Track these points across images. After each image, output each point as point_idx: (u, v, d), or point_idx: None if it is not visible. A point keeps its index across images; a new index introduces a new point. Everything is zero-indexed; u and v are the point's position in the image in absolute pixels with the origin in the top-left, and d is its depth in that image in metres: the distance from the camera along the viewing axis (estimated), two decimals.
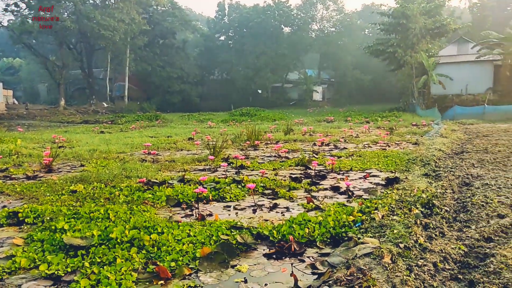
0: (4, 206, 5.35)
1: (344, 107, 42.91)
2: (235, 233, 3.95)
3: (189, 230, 4.06)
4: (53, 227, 4.18)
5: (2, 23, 45.77)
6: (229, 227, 4.14)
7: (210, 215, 4.84)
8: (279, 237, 3.84)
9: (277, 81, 57.48)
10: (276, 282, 3.00)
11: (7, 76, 69.59)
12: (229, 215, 4.86)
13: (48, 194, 5.81)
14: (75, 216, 4.58)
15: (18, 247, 3.77)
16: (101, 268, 3.16)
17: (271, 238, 3.86)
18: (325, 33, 60.07)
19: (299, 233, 3.82)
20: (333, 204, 5.02)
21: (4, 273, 3.25)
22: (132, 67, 48.63)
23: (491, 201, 4.59)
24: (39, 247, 3.73)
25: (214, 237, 3.84)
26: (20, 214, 4.65)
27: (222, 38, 61.05)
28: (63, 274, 3.20)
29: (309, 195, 5.70)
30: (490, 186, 5.41)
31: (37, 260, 3.44)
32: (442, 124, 17.43)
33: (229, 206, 5.28)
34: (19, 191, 6.09)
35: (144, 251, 3.56)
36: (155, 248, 3.62)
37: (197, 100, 53.85)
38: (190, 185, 6.37)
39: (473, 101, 28.05)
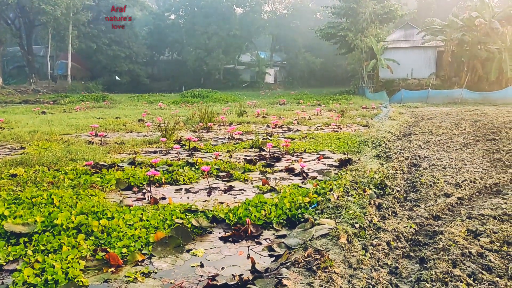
0: None
1: (296, 90, 43.40)
2: (190, 216, 3.84)
3: (142, 214, 3.90)
4: None
5: None
6: (183, 211, 4.02)
7: (163, 198, 4.69)
8: (235, 220, 3.78)
9: (229, 62, 56.90)
10: (233, 266, 2.94)
11: None
12: (183, 198, 4.73)
13: None
14: (16, 201, 4.26)
15: None
16: (45, 257, 2.95)
17: (227, 221, 3.79)
18: (278, 15, 60.00)
19: (255, 216, 3.77)
20: (289, 185, 5.02)
21: None
22: (75, 45, 46.08)
23: (438, 181, 4.77)
24: None
25: (168, 221, 3.71)
26: None
27: (172, 17, 59.30)
28: (4, 263, 2.97)
29: (264, 177, 5.67)
30: (437, 167, 5.64)
31: None
32: (390, 107, 18.06)
33: (183, 189, 5.14)
34: None
35: (92, 238, 3.37)
36: (105, 234, 3.44)
37: (147, 81, 52.28)
38: (141, 167, 6.15)
39: (418, 85, 29.31)
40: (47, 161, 6.38)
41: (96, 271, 2.87)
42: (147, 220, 3.75)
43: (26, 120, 13.27)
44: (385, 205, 3.87)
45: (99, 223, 3.52)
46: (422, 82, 29.72)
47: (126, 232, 3.43)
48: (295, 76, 57.97)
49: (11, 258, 3.03)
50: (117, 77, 47.43)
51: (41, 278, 2.66)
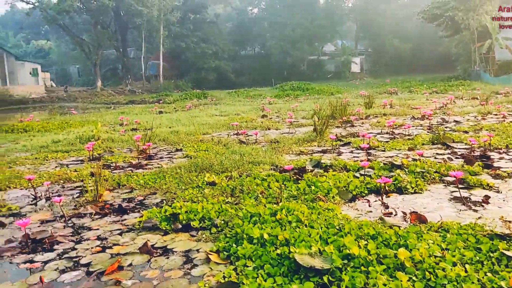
0: (143, 203, 4.42)
1: (385, 78, 40.98)
2: None
3: (432, 241, 2.98)
4: (245, 236, 3.19)
5: (32, 3, 44.62)
6: (490, 235, 3.05)
7: (414, 212, 3.75)
8: None
9: (313, 53, 55.52)
10: None
11: (38, 59, 69.54)
12: (437, 212, 3.75)
13: (183, 187, 4.85)
14: (256, 219, 3.57)
15: (225, 268, 2.79)
16: None
17: None
18: (363, 0, 57.23)
19: None
20: None
21: None
22: (166, 45, 47.59)
23: None
24: (254, 268, 2.73)
25: (491, 253, 2.74)
26: (180, 216, 3.69)
27: (255, 11, 59.17)
28: None
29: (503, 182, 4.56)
30: None
31: None
32: None
33: (422, 201, 4.16)
34: (143, 184, 5.17)
35: (415, 279, 2.51)
36: (423, 271, 2.56)
37: (232, 76, 52.62)
38: (335, 170, 5.32)
39: None
40: (229, 165, 5.78)
41: None
42: (450, 249, 2.82)
43: (153, 120, 13.22)
44: None
45: (425, 259, 2.65)
46: None
47: (455, 271, 2.51)
48: (381, 64, 55.03)
49: None
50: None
51: None
